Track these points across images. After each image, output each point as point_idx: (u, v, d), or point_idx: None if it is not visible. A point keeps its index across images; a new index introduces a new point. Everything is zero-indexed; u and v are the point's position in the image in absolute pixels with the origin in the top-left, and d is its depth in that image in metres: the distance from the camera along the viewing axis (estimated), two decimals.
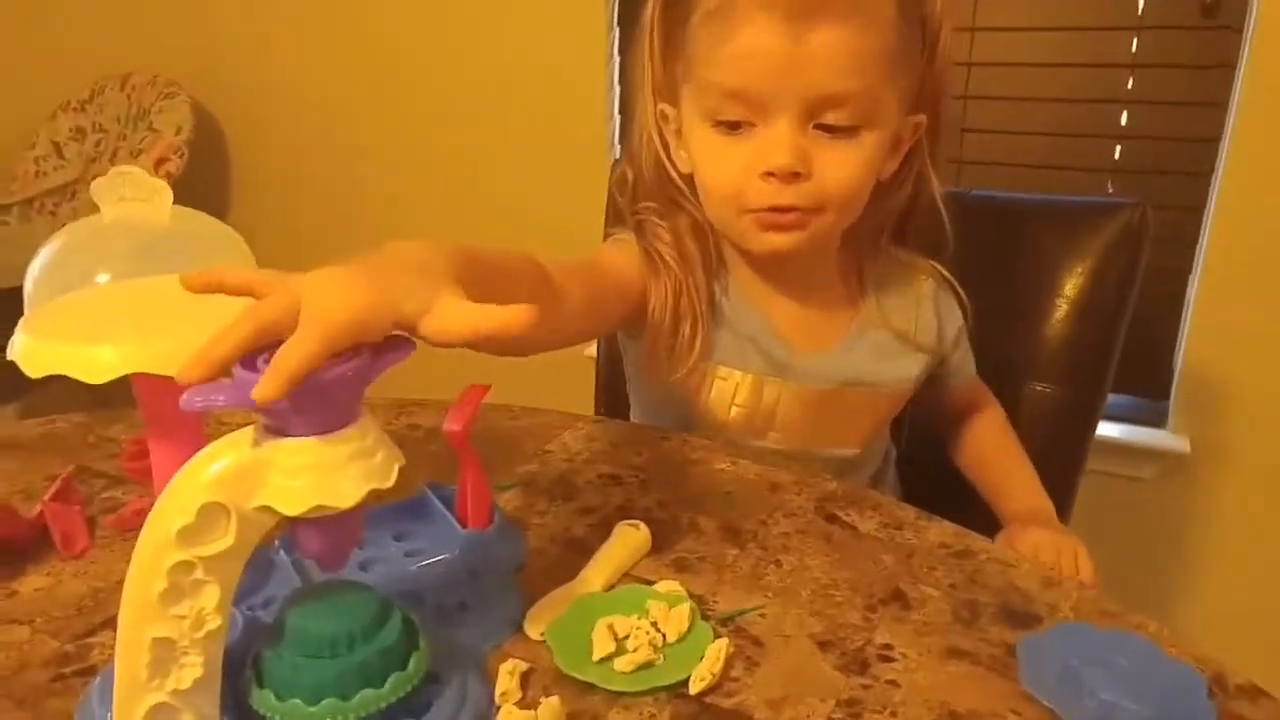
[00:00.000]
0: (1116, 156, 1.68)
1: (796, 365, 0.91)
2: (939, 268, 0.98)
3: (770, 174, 0.80)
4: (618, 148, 2.06)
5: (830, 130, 0.80)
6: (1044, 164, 1.72)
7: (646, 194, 0.93)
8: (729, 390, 0.91)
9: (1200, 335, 1.63)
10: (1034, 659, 0.59)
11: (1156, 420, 1.72)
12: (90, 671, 0.57)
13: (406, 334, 0.49)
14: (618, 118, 2.06)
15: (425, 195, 2.28)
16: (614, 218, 1.08)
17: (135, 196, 0.58)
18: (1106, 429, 1.69)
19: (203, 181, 2.39)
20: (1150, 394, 1.72)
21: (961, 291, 0.99)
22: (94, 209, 0.66)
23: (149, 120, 2.32)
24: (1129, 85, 1.63)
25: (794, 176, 0.80)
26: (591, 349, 1.54)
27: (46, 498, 0.72)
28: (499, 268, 0.65)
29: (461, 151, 2.21)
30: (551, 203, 2.08)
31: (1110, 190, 1.70)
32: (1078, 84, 1.67)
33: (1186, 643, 0.61)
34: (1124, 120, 1.66)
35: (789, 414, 0.92)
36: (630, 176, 0.95)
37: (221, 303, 0.47)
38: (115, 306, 0.57)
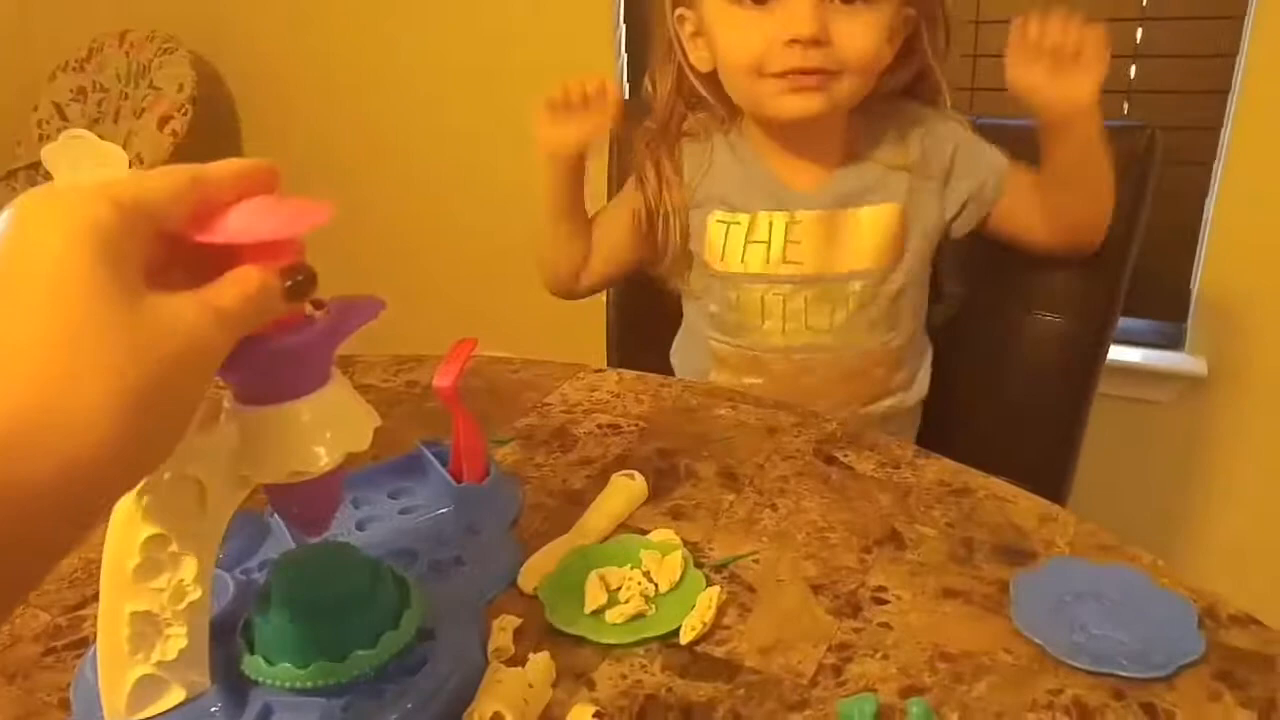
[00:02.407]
0: (1132, 76, 1.63)
1: (792, 198, 0.99)
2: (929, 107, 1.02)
3: (795, 41, 0.87)
4: (626, 86, 2.03)
5: (847, 0, 0.88)
6: None
7: (654, 116, 1.05)
8: (740, 234, 1.00)
9: (1218, 257, 1.60)
10: (1027, 596, 0.59)
11: (1174, 343, 1.69)
12: (82, 644, 0.58)
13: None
14: (625, 55, 2.02)
15: (436, 140, 2.25)
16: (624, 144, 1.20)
17: (91, 163, 0.57)
18: (1125, 353, 1.67)
19: (210, 139, 2.38)
20: (1168, 317, 1.69)
21: (955, 115, 1.01)
22: None
23: (150, 78, 2.30)
24: (1144, 2, 1.57)
25: (815, 43, 0.87)
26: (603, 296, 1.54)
27: None
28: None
29: (470, 96, 2.18)
30: None
31: (1126, 111, 1.65)
32: (1092, 2, 1.61)
33: (1180, 574, 0.61)
34: (1139, 38, 1.61)
35: (797, 240, 0.99)
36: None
37: None
38: None
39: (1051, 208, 0.98)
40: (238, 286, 0.37)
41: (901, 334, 1.03)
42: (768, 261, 0.99)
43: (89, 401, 0.30)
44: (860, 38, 0.89)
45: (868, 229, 0.99)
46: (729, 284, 1.02)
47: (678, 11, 0.98)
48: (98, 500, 0.33)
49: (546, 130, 0.99)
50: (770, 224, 0.99)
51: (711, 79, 0.99)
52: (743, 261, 1.00)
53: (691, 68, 1.00)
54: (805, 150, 1.00)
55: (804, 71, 0.89)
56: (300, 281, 0.40)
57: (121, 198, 0.34)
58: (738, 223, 1.00)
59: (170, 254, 0.36)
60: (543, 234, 1.09)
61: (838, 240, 0.99)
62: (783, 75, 0.90)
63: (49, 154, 0.57)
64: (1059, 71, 0.87)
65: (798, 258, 0.99)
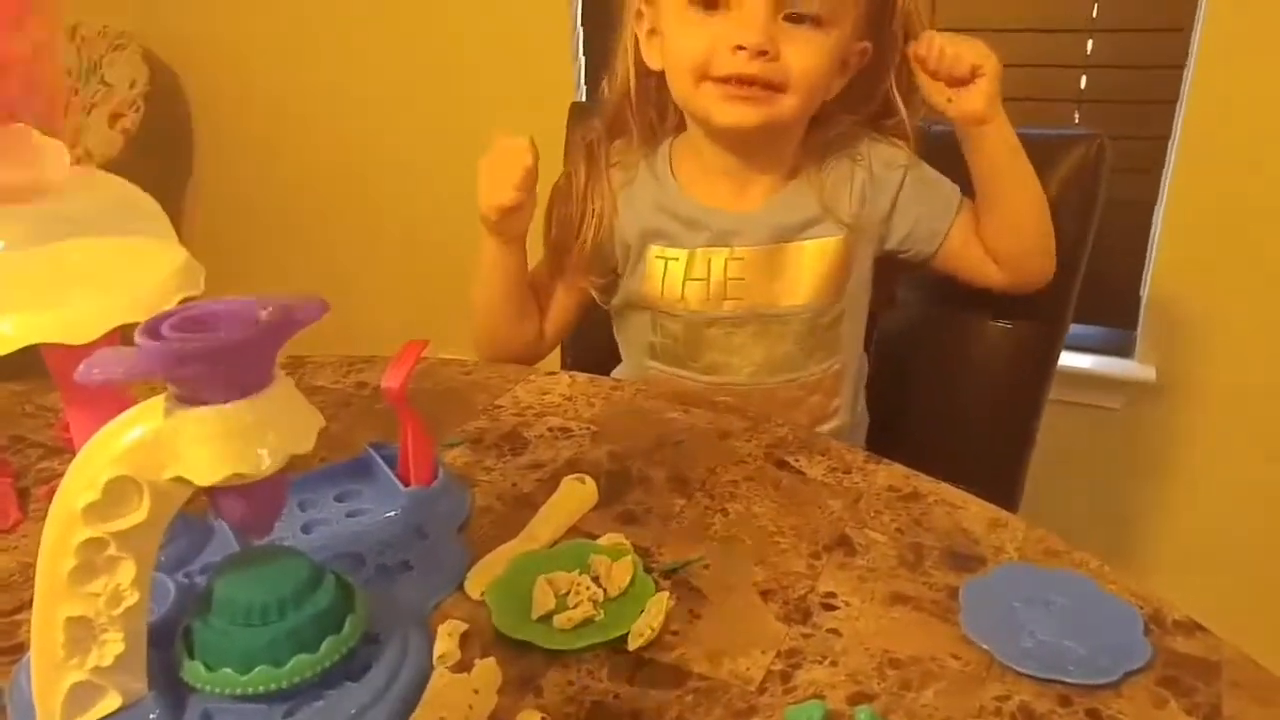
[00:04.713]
0: (1082, 86, 1.65)
1: (729, 226, 0.98)
2: (878, 135, 1.01)
3: (741, 47, 0.87)
4: (584, 89, 2.02)
5: (797, 20, 0.89)
6: (1009, 96, 1.69)
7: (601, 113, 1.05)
8: (679, 269, 0.99)
9: (1166, 265, 1.63)
10: (975, 602, 0.59)
11: (1124, 350, 1.72)
12: (17, 650, 0.56)
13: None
14: (583, 58, 2.02)
15: (391, 140, 2.23)
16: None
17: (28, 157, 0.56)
18: (1075, 359, 1.70)
19: (162, 136, 2.34)
20: (1118, 323, 1.72)
21: (898, 143, 1.01)
22: None
23: (100, 73, 2.26)
24: (1094, 14, 1.60)
25: (761, 54, 0.87)
26: None
27: None
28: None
29: (426, 93, 2.16)
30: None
31: (1077, 120, 1.68)
32: (1042, 13, 1.64)
33: (1127, 580, 0.61)
34: (1089, 49, 1.63)
35: (737, 277, 0.98)
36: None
37: (120, 269, 0.45)
38: (11, 276, 0.55)
39: (988, 231, 0.98)
40: None
41: (840, 360, 1.03)
42: (708, 299, 0.98)
43: None
44: (807, 58, 0.89)
45: (809, 263, 0.98)
46: (670, 317, 1.01)
47: (637, 7, 0.97)
48: None
49: (505, 222, 0.96)
50: (710, 261, 0.98)
51: (658, 80, 0.98)
52: (683, 298, 0.99)
53: (640, 65, 0.99)
54: (746, 172, 0.98)
55: (745, 80, 0.89)
56: None
57: None
58: (676, 259, 0.99)
59: None
60: (491, 323, 1.04)
61: (779, 276, 0.98)
62: (725, 80, 0.89)
63: None
64: (952, 87, 0.92)
65: (738, 294, 0.98)
